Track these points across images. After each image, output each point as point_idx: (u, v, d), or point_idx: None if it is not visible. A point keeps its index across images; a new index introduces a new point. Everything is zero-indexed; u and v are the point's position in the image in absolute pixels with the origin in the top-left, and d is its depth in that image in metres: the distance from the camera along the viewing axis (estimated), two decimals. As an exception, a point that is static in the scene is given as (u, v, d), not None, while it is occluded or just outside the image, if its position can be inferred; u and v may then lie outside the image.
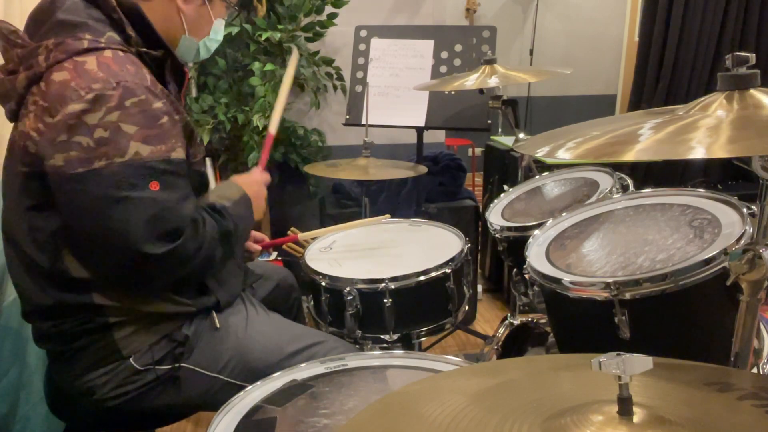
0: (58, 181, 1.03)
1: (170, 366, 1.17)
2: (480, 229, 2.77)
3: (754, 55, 0.76)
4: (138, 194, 1.02)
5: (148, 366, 1.15)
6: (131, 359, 1.15)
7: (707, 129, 0.70)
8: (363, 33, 2.47)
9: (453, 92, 2.33)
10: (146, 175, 1.02)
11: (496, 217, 1.68)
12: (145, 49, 1.13)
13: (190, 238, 1.08)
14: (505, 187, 1.87)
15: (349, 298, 1.38)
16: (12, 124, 1.13)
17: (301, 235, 1.63)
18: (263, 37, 2.68)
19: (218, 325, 1.22)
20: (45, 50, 1.04)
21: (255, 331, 1.26)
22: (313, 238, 1.68)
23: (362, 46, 2.46)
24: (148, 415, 1.21)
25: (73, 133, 1.00)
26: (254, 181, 1.37)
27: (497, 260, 2.94)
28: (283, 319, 1.36)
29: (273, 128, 1.60)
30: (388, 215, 1.77)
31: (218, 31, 1.29)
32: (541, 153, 0.79)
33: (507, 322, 2.02)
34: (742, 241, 0.98)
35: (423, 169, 1.96)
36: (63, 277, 1.10)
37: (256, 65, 2.68)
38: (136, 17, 1.13)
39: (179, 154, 1.09)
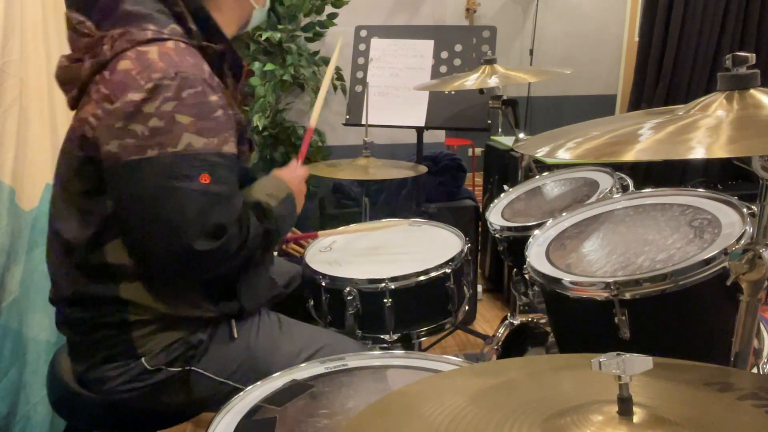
0: (112, 168, 1.05)
1: (180, 368, 1.17)
2: (480, 229, 2.77)
3: (754, 55, 0.76)
4: (189, 185, 1.02)
5: (159, 366, 1.16)
6: (143, 359, 1.15)
7: (707, 129, 0.70)
8: (363, 33, 2.47)
9: (453, 92, 2.33)
10: (198, 167, 1.03)
11: (496, 217, 1.68)
12: (206, 43, 1.15)
13: (234, 236, 1.08)
14: (505, 187, 1.87)
15: (349, 298, 1.38)
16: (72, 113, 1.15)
17: (321, 233, 1.64)
18: (263, 37, 2.68)
19: (236, 335, 1.22)
20: (110, 39, 1.07)
21: (266, 338, 1.26)
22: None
23: (362, 46, 2.46)
24: (152, 414, 1.21)
25: (130, 121, 1.02)
26: (296, 176, 1.37)
27: (497, 260, 2.94)
28: (294, 323, 1.35)
29: (313, 122, 1.59)
30: (413, 219, 1.78)
31: None
32: (541, 153, 0.79)
33: (507, 322, 2.02)
34: (742, 241, 0.98)
35: (423, 169, 1.96)
36: (97, 266, 1.12)
37: (256, 65, 2.68)
38: (198, 11, 1.15)
39: (231, 148, 1.09)
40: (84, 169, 1.09)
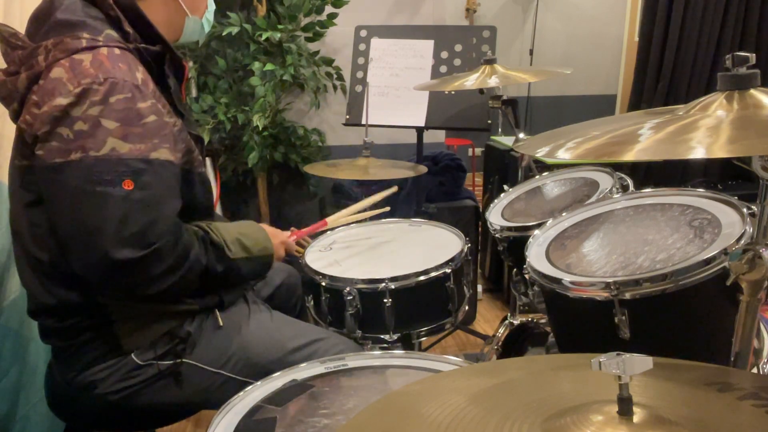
0: (40, 172, 1.04)
1: (172, 361, 1.17)
2: (480, 229, 2.77)
3: (754, 55, 0.76)
4: (110, 191, 1.00)
5: (149, 361, 1.16)
6: (132, 355, 1.15)
7: (707, 129, 0.70)
8: (363, 33, 2.47)
9: (453, 92, 2.33)
10: (121, 173, 1.01)
11: (496, 217, 1.68)
12: (143, 45, 1.13)
13: (165, 253, 1.05)
14: (505, 187, 1.87)
15: (349, 298, 1.38)
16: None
17: (330, 219, 1.66)
18: (263, 37, 2.68)
19: (221, 324, 1.23)
20: (44, 50, 1.05)
21: (257, 327, 1.27)
22: (320, 233, 1.68)
23: (362, 46, 2.46)
24: (149, 412, 1.21)
25: (57, 125, 1.01)
26: (284, 242, 1.42)
27: (497, 260, 2.94)
28: (286, 316, 1.37)
29: (331, 220, 1.65)
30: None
31: (212, 1, 1.32)
32: (541, 153, 0.79)
33: (507, 322, 2.02)
34: (742, 241, 0.98)
35: (423, 169, 1.96)
36: (65, 275, 1.10)
37: (256, 65, 2.68)
38: (133, 14, 1.13)
39: (163, 154, 1.07)
40: (26, 179, 1.08)
